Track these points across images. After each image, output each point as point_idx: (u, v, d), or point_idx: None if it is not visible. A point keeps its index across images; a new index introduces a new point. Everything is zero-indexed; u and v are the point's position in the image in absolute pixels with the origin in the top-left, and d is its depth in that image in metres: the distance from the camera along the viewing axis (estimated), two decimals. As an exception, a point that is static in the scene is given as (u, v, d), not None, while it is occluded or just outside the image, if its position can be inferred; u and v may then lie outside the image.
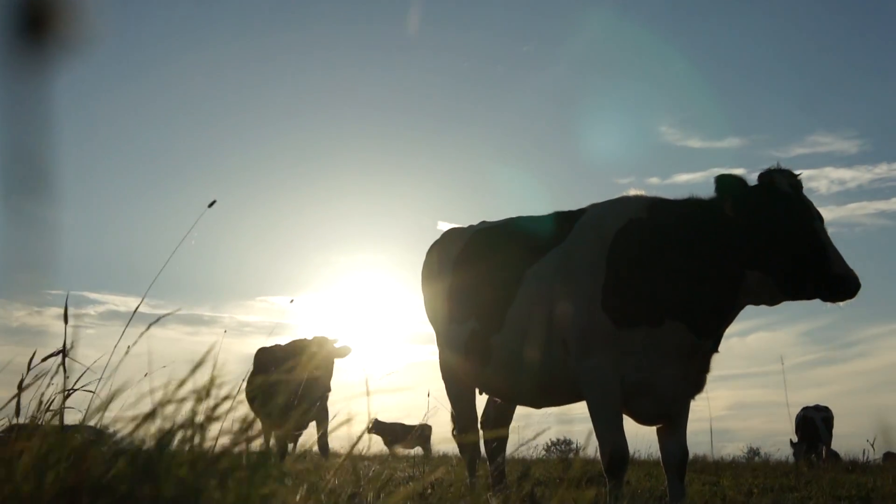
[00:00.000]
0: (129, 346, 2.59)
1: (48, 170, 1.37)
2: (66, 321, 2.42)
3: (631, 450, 5.22)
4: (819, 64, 49.07)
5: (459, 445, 6.38)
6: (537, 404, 5.75)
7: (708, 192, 4.94)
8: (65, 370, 2.32)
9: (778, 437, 19.70)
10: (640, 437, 14.71)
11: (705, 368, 4.96)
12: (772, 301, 4.79)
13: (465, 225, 6.42)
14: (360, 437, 2.17)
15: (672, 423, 5.04)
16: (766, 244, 4.65)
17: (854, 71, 49.00)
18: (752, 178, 4.95)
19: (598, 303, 4.87)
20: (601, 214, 5.25)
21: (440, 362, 6.38)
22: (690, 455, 6.11)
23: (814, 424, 18.84)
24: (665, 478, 5.13)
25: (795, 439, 18.60)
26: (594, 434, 4.97)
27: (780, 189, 4.78)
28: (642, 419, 5.05)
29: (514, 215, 6.08)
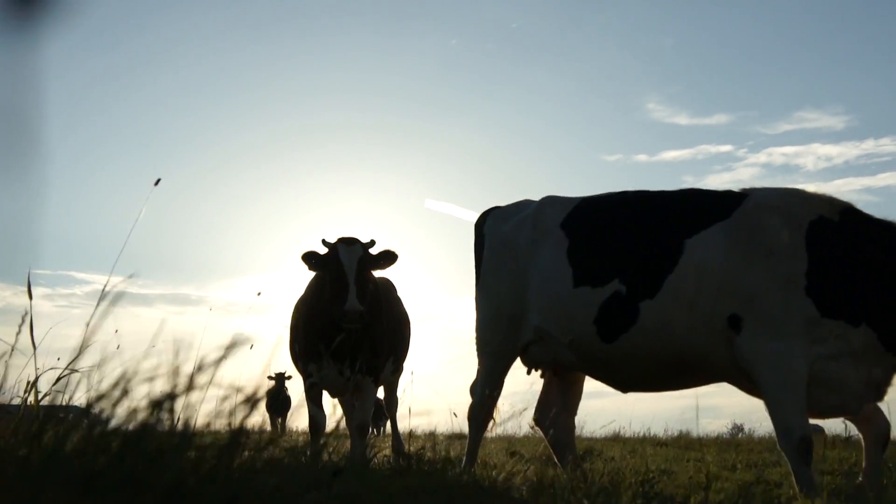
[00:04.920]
0: (87, 325, 2.57)
1: (36, 139, 1.35)
2: (30, 297, 2.41)
3: (616, 427, 5.27)
4: (807, 40, 49.12)
5: (471, 422, 6.19)
6: (655, 384, 5.74)
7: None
8: (34, 346, 2.32)
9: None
10: (625, 414, 14.78)
11: (888, 381, 5.11)
12: None
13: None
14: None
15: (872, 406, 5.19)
16: None
17: (841, 47, 49.11)
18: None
19: (802, 288, 4.95)
20: (786, 200, 5.29)
21: (483, 332, 6.24)
22: (675, 431, 6.19)
23: None
24: (783, 456, 5.17)
25: None
26: (772, 418, 5.02)
27: None
28: (819, 411, 5.17)
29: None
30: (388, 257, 7.08)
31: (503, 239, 6.25)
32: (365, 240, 7.07)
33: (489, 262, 6.30)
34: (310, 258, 6.98)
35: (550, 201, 6.17)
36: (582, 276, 5.65)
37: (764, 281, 5.00)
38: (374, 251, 7.05)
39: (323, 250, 6.99)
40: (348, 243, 6.96)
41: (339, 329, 6.67)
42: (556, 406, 6.12)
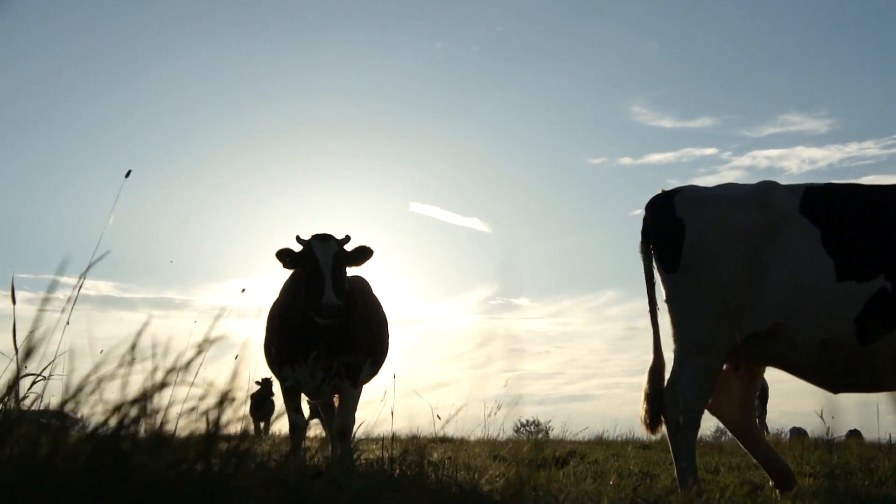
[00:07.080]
0: (65, 325, 2.55)
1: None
2: (13, 301, 2.39)
3: (599, 430, 5.26)
4: (791, 44, 49.45)
5: (683, 433, 5.62)
6: (882, 388, 5.71)
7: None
8: (16, 351, 2.29)
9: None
10: (608, 417, 14.80)
11: None
12: None
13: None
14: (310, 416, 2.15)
15: None
16: None
17: (825, 50, 49.43)
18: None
19: None
20: None
21: (694, 325, 5.64)
22: (657, 436, 6.15)
23: None
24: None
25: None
26: None
27: None
28: None
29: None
30: (364, 253, 6.98)
31: (714, 221, 5.69)
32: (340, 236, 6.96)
33: (698, 247, 5.67)
34: (284, 255, 6.85)
35: (772, 185, 5.78)
36: (845, 269, 5.36)
37: None
38: (349, 247, 6.92)
39: (297, 248, 6.87)
40: (322, 239, 6.85)
41: (313, 330, 6.60)
42: (737, 400, 5.98)
